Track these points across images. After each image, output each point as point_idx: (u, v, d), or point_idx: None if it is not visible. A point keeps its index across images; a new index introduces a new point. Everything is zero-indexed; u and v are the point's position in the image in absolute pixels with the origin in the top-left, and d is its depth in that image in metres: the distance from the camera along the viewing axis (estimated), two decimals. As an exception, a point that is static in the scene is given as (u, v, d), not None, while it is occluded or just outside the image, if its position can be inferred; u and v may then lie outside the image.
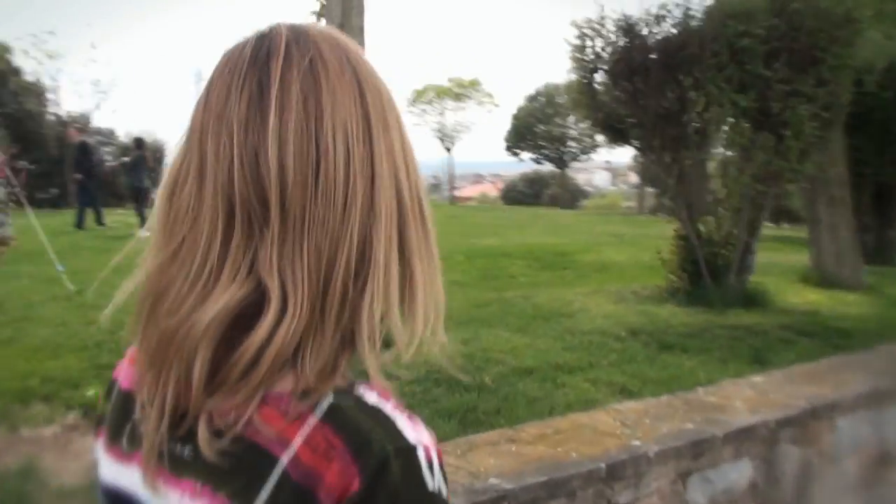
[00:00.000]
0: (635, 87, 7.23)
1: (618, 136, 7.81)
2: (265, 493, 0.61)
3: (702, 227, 7.71)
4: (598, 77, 7.51)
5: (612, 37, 7.40)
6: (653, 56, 7.24)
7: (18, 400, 4.39)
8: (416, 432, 0.64)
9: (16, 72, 26.17)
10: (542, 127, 29.67)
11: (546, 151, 30.79)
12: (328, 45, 0.69)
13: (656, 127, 7.30)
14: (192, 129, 0.68)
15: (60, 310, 6.74)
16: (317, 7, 6.18)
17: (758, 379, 5.12)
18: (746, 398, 4.67)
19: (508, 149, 32.12)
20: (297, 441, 0.61)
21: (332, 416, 0.62)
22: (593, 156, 31.79)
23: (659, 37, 7.28)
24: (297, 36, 0.68)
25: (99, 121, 28.35)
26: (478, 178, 60.92)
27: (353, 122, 0.66)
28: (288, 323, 0.63)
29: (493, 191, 46.98)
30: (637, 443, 3.81)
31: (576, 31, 7.57)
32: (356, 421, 0.62)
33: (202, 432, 0.63)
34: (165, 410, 0.66)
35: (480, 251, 12.34)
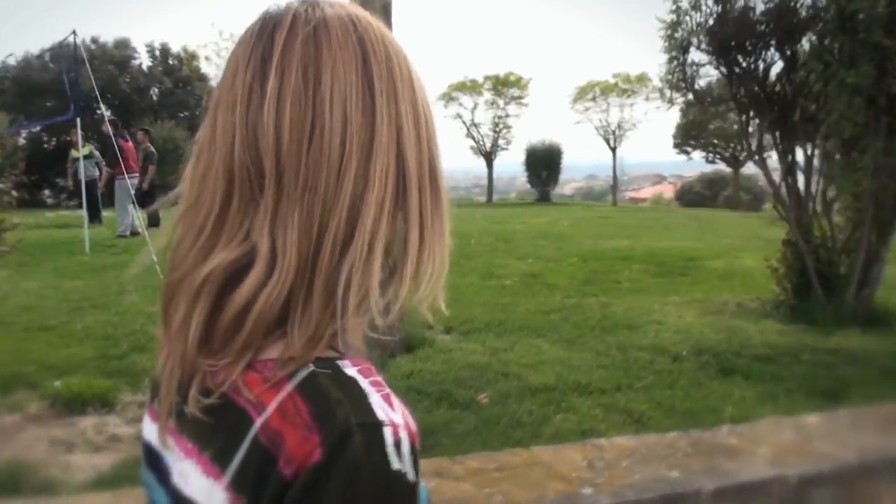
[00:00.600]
0: (732, 65, 6.23)
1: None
2: (239, 456, 0.61)
3: (817, 232, 6.53)
4: (692, 57, 6.56)
5: (709, 8, 6.43)
6: (757, 27, 6.20)
7: (4, 386, 4.44)
8: (386, 410, 0.61)
9: (202, 78, 28.42)
10: (715, 123, 27.54)
11: (718, 150, 28.56)
12: (336, 14, 0.68)
13: (758, 109, 6.26)
14: (211, 102, 0.70)
15: (138, 298, 6.92)
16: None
17: (812, 419, 4.13)
18: (780, 443, 3.74)
19: (677, 146, 30.19)
20: (272, 406, 0.61)
21: (306, 385, 0.61)
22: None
23: (762, 5, 6.23)
24: (306, 7, 0.68)
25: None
26: (658, 179, 58.39)
27: (354, 89, 0.65)
28: (273, 284, 0.63)
29: (670, 192, 44.80)
30: (588, 491, 3.12)
31: (671, 6, 6.68)
32: (326, 391, 0.61)
33: (192, 390, 0.65)
34: (175, 369, 0.67)
35: (600, 254, 11.58)
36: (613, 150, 30.07)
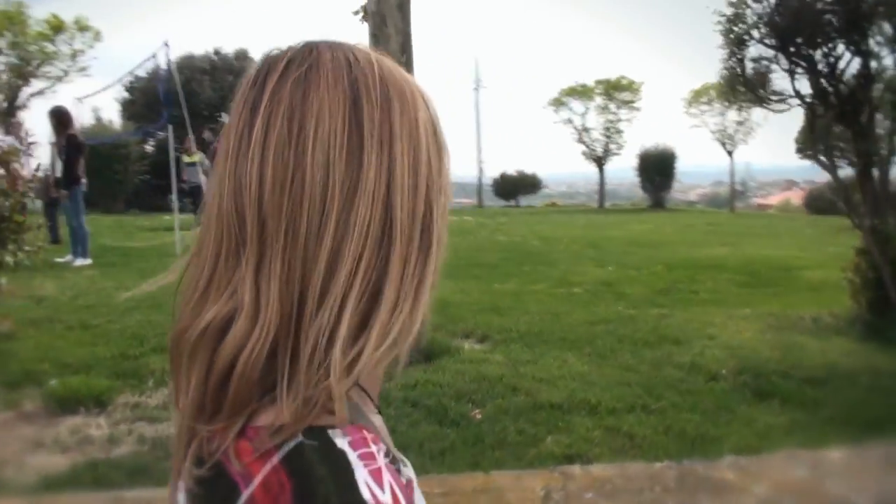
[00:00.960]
0: (795, 58, 5.69)
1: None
2: None
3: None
4: (753, 51, 6.05)
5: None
6: (823, 16, 5.64)
7: (13, 382, 4.63)
8: (373, 489, 0.56)
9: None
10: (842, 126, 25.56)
11: (846, 153, 26.46)
12: (332, 55, 0.64)
13: (826, 105, 5.69)
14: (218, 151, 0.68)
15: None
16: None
17: (837, 454, 3.66)
18: (784, 481, 3.32)
19: (799, 151, 28.27)
20: (258, 479, 0.56)
21: (292, 458, 0.57)
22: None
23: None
24: (305, 50, 0.65)
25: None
26: (788, 185, 54.95)
27: (339, 134, 0.60)
28: (253, 342, 0.59)
29: (799, 198, 42.12)
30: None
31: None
32: (310, 467, 0.56)
33: (186, 461, 0.61)
34: (182, 430, 0.64)
35: (689, 262, 10.99)
36: (730, 154, 28.57)
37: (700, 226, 18.95)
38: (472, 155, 34.41)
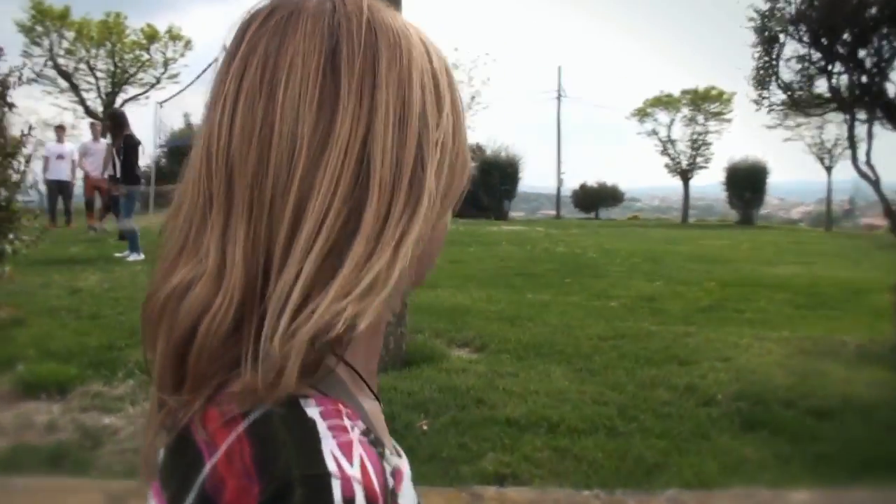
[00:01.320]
0: (832, 56, 5.18)
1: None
2: (188, 502, 0.53)
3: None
4: (787, 50, 5.57)
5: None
6: (862, 11, 5.12)
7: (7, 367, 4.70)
8: (340, 460, 0.51)
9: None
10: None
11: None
12: (319, 1, 0.60)
13: (867, 107, 5.14)
14: None
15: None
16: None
17: (802, 496, 3.20)
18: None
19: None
20: (222, 448, 0.52)
21: (257, 426, 0.52)
22: None
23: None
24: None
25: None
26: (902, 204, 51.38)
27: (310, 82, 0.56)
28: (215, 308, 0.55)
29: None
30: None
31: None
32: (275, 435, 0.52)
33: (156, 428, 0.59)
34: (153, 401, 0.61)
35: (749, 280, 10.40)
36: (829, 170, 26.95)
37: (784, 244, 17.88)
38: (552, 165, 33.87)
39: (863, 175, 5.35)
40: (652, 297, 8.76)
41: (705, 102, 28.02)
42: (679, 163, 28.67)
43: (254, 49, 0.57)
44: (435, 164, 0.60)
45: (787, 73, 5.66)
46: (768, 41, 5.56)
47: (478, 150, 26.77)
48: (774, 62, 5.56)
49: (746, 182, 25.87)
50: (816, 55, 5.40)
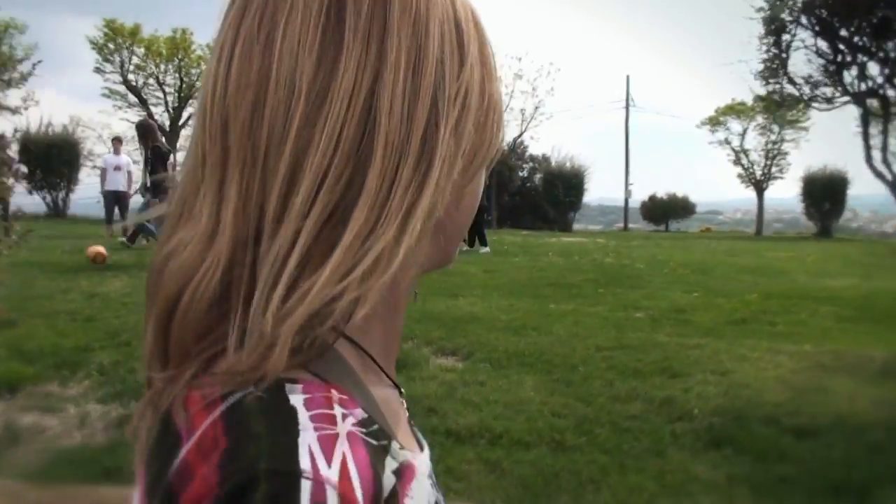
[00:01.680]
0: (841, 45, 4.80)
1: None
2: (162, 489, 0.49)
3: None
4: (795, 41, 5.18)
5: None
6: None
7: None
8: (316, 458, 0.44)
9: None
10: None
11: None
12: None
13: (882, 101, 4.73)
14: None
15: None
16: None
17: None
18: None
19: None
20: (198, 433, 0.48)
21: (233, 411, 0.47)
22: None
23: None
24: None
25: (534, 149, 29.85)
26: None
27: (311, 27, 0.50)
28: (200, 275, 0.50)
29: None
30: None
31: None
32: (249, 422, 0.46)
33: (141, 408, 0.55)
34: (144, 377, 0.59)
35: (796, 292, 9.86)
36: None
37: (855, 256, 16.82)
38: (619, 176, 33.10)
39: (878, 175, 4.88)
40: (683, 309, 8.35)
41: (781, 109, 26.85)
42: (753, 173, 27.53)
43: None
44: (452, 123, 0.53)
45: (797, 65, 5.24)
46: (777, 32, 5.17)
47: (543, 160, 26.44)
48: (784, 54, 5.16)
49: (824, 193, 24.65)
50: (825, 44, 4.99)
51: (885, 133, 4.71)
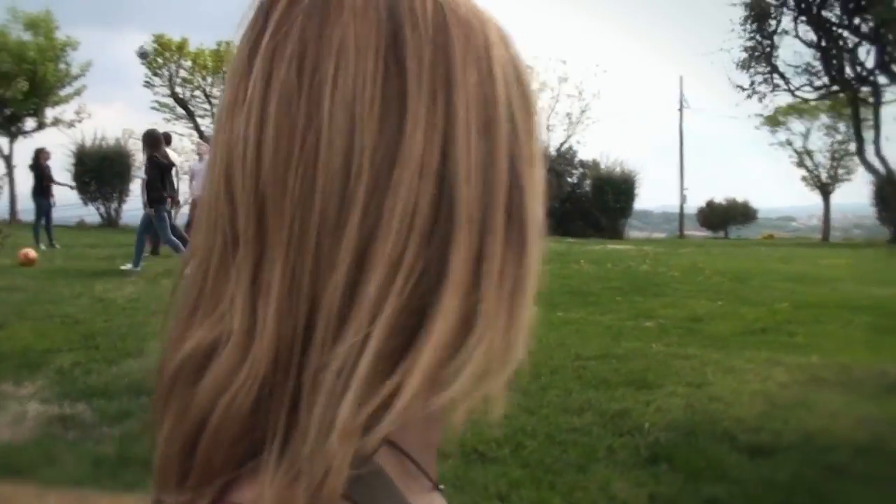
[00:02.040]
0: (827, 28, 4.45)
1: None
2: None
3: None
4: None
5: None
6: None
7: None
8: None
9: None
10: None
11: None
12: None
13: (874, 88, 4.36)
14: None
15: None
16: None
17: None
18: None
19: None
20: None
21: None
22: None
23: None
24: None
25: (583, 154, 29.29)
26: None
27: (369, 78, 0.41)
28: (238, 384, 0.41)
29: None
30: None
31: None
32: None
33: None
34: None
35: (832, 302, 9.25)
36: None
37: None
38: (674, 181, 32.20)
39: (871, 170, 4.48)
40: (700, 318, 7.99)
41: (848, 108, 25.68)
42: (818, 176, 26.36)
43: (284, 35, 0.42)
44: (533, 186, 0.45)
45: (782, 52, 4.88)
46: (759, 17, 4.83)
47: (592, 165, 25.92)
48: (767, 41, 4.81)
49: (896, 196, 23.34)
50: (807, 29, 4.63)
51: (876, 122, 4.28)
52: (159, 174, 9.91)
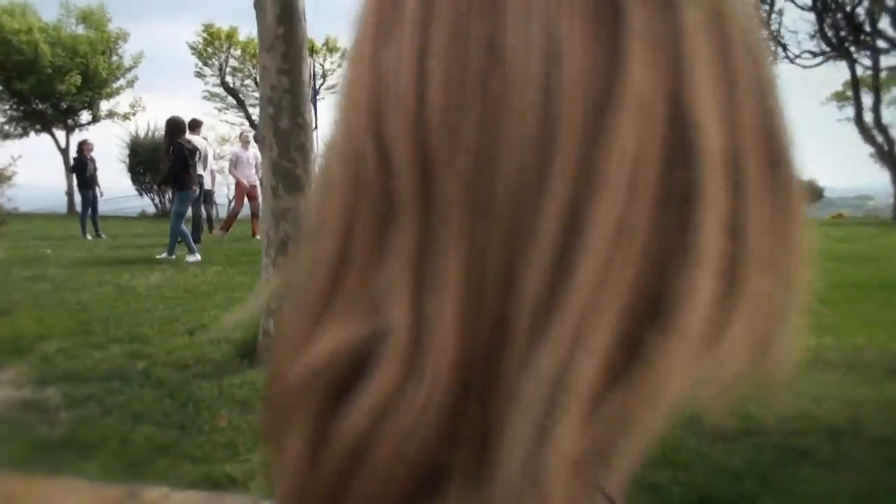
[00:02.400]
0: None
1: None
2: None
3: None
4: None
5: None
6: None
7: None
8: None
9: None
10: None
11: None
12: None
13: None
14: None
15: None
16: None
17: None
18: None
19: None
20: None
21: None
22: None
23: None
24: None
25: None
26: None
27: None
28: (411, 397, 0.32)
29: None
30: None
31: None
32: None
33: None
34: None
35: (874, 282, 8.96)
36: None
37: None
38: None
39: (869, 139, 4.15)
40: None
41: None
42: (889, 152, 25.03)
43: None
44: (784, 119, 0.35)
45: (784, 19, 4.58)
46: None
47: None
48: (766, 5, 4.51)
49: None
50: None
51: (876, 90, 3.92)
52: (183, 160, 10.09)
